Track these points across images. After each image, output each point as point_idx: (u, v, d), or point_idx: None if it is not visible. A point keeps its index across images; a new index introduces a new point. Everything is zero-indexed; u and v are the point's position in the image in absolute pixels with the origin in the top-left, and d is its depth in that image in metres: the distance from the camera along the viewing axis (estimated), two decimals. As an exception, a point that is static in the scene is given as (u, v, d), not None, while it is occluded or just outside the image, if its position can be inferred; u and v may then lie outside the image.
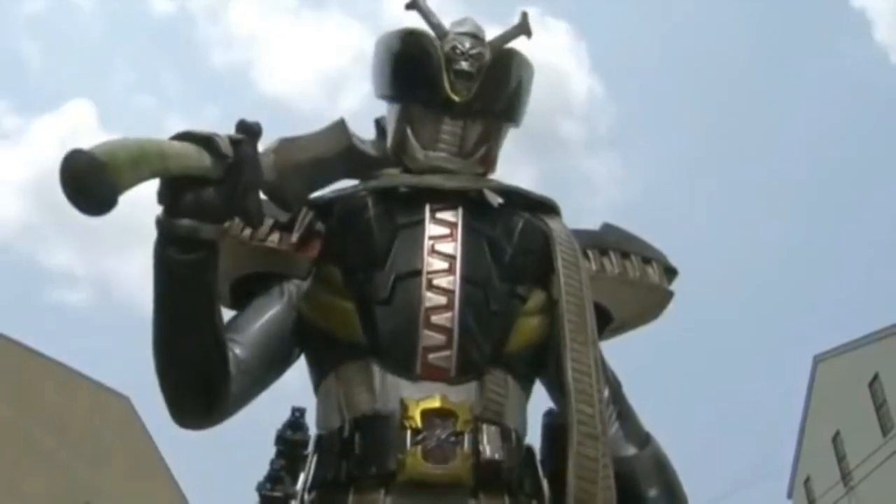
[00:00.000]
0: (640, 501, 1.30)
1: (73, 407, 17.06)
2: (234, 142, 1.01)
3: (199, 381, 1.16)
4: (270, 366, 1.29)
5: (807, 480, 20.38)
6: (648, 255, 1.47)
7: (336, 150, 1.31)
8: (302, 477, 1.29)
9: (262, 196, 1.13)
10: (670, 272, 1.48)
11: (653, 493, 1.31)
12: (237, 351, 1.22)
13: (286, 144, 1.21)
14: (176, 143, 0.96)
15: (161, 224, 1.01)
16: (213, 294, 1.10)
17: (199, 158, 0.96)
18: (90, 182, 0.81)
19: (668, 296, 1.47)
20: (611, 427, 1.29)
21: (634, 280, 1.44)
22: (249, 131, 1.05)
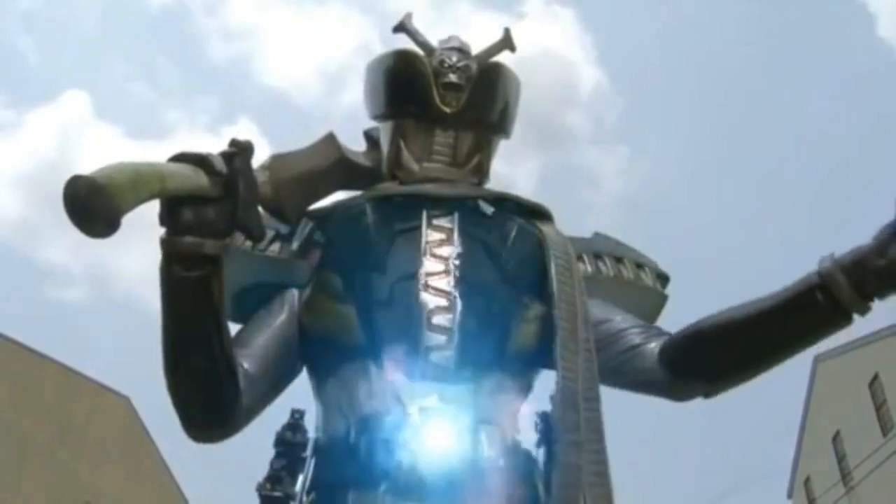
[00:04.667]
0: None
1: (73, 407, 17.06)
2: (227, 158, 1.03)
3: (212, 397, 1.17)
4: (278, 377, 1.31)
5: (807, 480, 20.39)
6: (641, 262, 1.51)
7: (328, 163, 1.34)
8: (300, 479, 1.30)
9: (262, 211, 1.15)
10: (662, 278, 1.51)
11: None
12: (245, 364, 1.23)
13: (278, 160, 1.23)
14: (172, 165, 0.98)
15: (165, 243, 1.03)
16: (220, 309, 1.11)
17: (196, 178, 0.98)
18: (92, 205, 0.83)
19: (663, 299, 1.50)
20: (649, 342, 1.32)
21: (630, 281, 1.47)
22: (241, 148, 1.06)
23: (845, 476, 17.82)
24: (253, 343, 1.28)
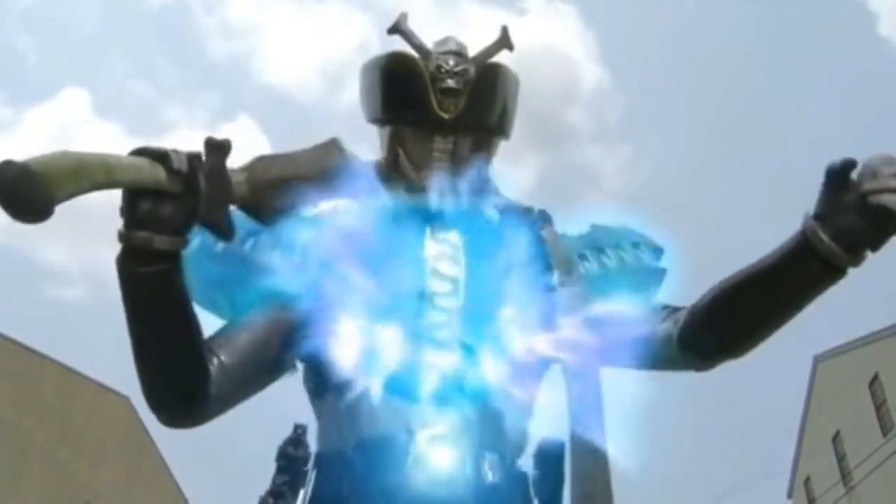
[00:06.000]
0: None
1: (73, 407, 17.07)
2: (191, 158, 1.01)
3: (173, 385, 1.16)
4: (258, 371, 1.28)
5: (807, 480, 20.41)
6: (636, 240, 1.52)
7: (322, 169, 1.31)
8: (301, 493, 1.29)
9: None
10: (658, 251, 1.52)
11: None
12: (222, 356, 1.22)
13: (263, 161, 1.22)
14: (125, 157, 0.97)
15: (119, 236, 1.02)
16: (177, 304, 1.09)
17: (153, 172, 0.97)
18: (20, 190, 0.81)
19: (663, 274, 1.50)
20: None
21: (631, 265, 1.49)
22: (216, 147, 1.06)
23: (845, 476, 17.84)
24: (234, 336, 1.26)
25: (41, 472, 15.91)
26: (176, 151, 1.00)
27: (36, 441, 15.94)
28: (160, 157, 0.98)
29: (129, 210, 1.00)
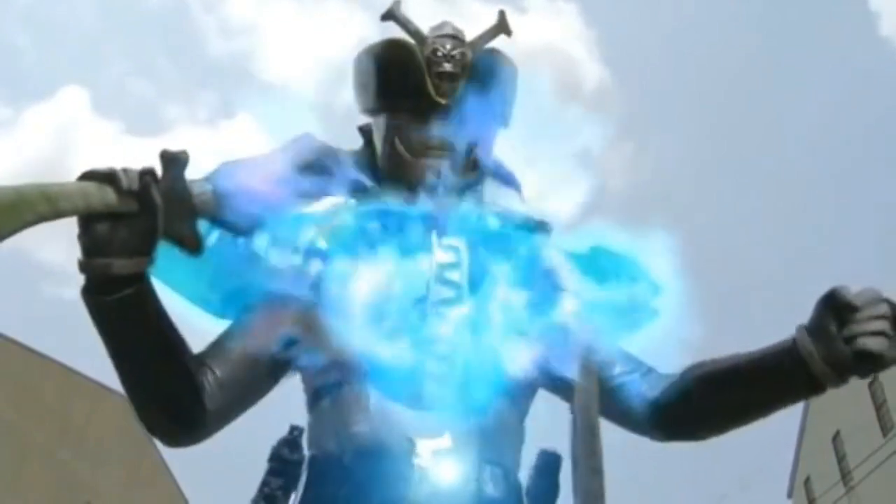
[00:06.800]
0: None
1: (73, 407, 17.06)
2: (143, 175, 0.98)
3: (163, 406, 1.14)
4: (255, 380, 1.25)
5: (807, 480, 20.41)
6: (636, 274, 1.47)
7: (295, 167, 1.26)
8: (293, 497, 1.28)
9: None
10: (656, 289, 1.49)
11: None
12: (216, 370, 1.19)
13: (228, 167, 1.18)
14: (69, 184, 0.94)
15: (79, 265, 0.99)
16: (151, 326, 1.06)
17: (102, 195, 0.94)
18: None
19: (656, 314, 1.46)
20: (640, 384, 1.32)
21: (627, 301, 1.43)
22: (172, 160, 1.03)
23: (845, 476, 17.84)
24: (227, 348, 1.23)
25: (41, 472, 15.90)
26: (125, 170, 0.97)
27: (36, 441, 15.93)
28: (108, 178, 0.95)
29: (85, 236, 0.98)
